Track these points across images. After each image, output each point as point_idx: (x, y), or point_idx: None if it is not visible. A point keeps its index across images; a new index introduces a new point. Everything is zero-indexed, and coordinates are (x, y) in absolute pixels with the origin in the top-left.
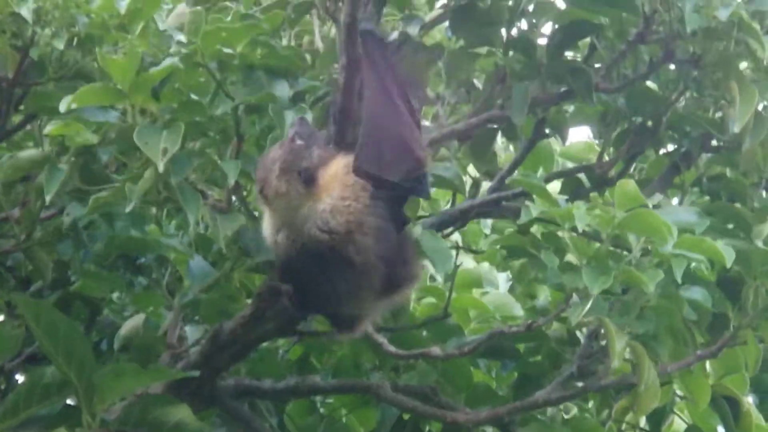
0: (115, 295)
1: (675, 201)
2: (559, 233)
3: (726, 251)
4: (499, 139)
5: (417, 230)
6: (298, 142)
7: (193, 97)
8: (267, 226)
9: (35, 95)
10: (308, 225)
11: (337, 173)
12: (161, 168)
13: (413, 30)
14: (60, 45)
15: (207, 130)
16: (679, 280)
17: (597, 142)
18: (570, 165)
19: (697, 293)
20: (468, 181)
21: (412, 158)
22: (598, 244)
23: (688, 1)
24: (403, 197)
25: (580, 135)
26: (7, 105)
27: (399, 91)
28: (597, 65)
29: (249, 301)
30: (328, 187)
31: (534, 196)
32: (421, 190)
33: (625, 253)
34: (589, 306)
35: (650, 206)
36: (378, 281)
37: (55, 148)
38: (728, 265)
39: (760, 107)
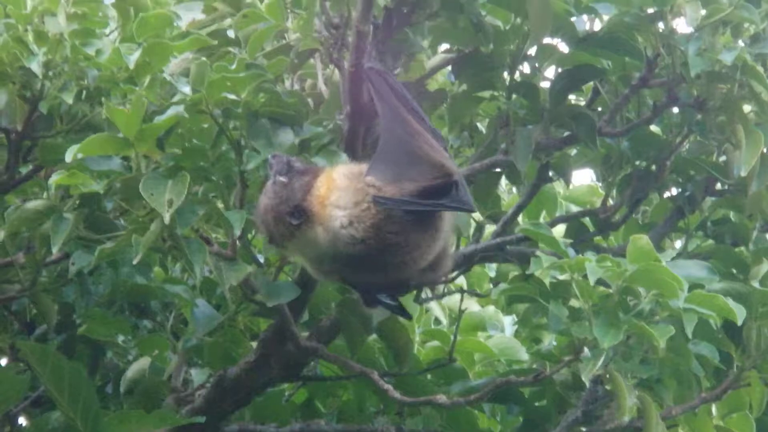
0: (120, 339)
1: (678, 244)
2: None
3: (737, 309)
4: (503, 182)
5: None
6: (279, 179)
7: (196, 142)
8: (306, 265)
9: (44, 147)
10: (338, 246)
11: (337, 184)
12: (167, 220)
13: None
14: (69, 99)
15: (210, 175)
16: (690, 336)
17: (600, 185)
18: (574, 208)
19: (704, 349)
20: (471, 225)
21: (433, 165)
22: (603, 289)
23: (691, 44)
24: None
25: (584, 178)
26: (15, 157)
27: (412, 113)
28: (599, 109)
29: (253, 344)
30: (329, 203)
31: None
32: (459, 202)
33: (633, 302)
34: (601, 362)
35: (663, 262)
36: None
37: (60, 193)
38: (739, 323)
39: (765, 150)
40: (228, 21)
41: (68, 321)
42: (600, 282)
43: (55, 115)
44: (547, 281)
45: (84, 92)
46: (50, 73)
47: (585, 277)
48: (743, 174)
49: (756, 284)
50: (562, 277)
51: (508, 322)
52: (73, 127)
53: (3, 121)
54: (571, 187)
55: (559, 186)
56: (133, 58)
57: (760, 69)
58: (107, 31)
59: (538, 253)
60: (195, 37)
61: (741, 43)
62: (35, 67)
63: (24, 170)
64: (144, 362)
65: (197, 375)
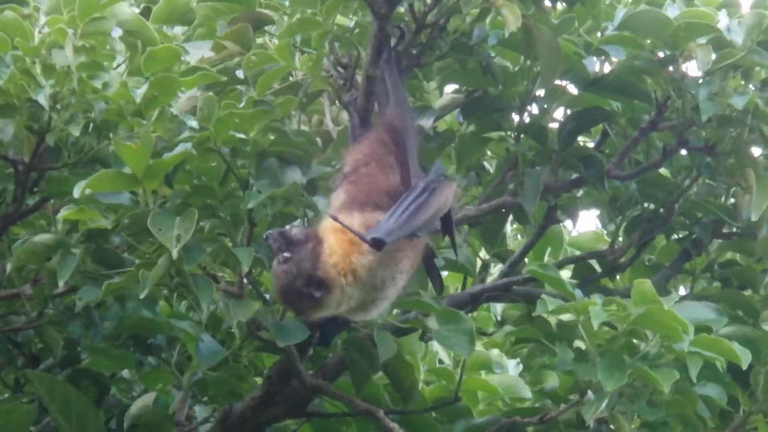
0: (124, 373)
1: (682, 291)
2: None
3: (742, 352)
4: (510, 226)
5: (432, 322)
6: (284, 255)
7: (204, 179)
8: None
9: (50, 180)
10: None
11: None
12: (175, 255)
13: (426, 122)
14: (76, 131)
15: (218, 212)
16: (695, 380)
17: (605, 232)
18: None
19: (711, 390)
20: (477, 264)
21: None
22: (608, 329)
23: (702, 88)
24: None
25: (589, 224)
26: (22, 188)
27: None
28: (607, 151)
29: (258, 380)
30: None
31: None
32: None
33: (640, 344)
34: (604, 404)
35: (665, 306)
36: None
37: (67, 227)
38: (744, 366)
39: None
40: (237, 59)
41: (73, 356)
42: (606, 323)
43: (62, 148)
44: (553, 323)
45: (91, 125)
46: (57, 106)
47: (590, 319)
48: (754, 218)
49: (767, 328)
50: (567, 319)
51: (512, 365)
52: (80, 159)
53: (10, 153)
54: (576, 233)
55: (564, 233)
56: (141, 91)
57: None
58: (115, 64)
59: (543, 295)
60: (204, 73)
61: (752, 87)
62: (42, 99)
63: (31, 202)
64: (148, 398)
65: (201, 411)
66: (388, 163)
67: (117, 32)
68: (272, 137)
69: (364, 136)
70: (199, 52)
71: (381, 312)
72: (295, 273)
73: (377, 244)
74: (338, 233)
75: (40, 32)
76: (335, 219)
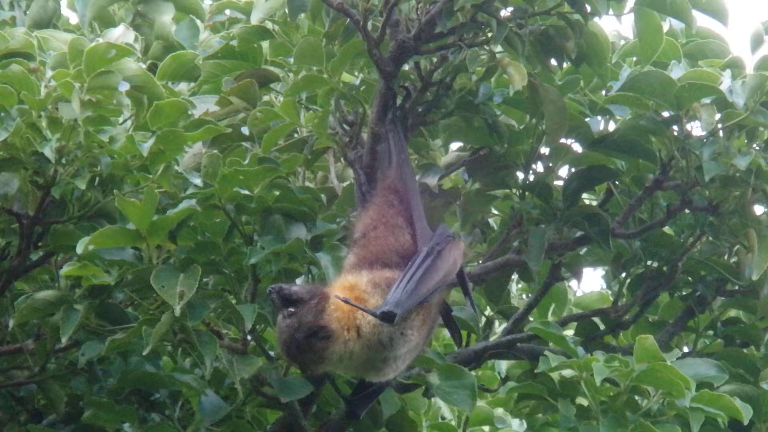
0: (127, 428)
1: (685, 348)
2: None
3: (744, 408)
4: (516, 286)
5: (434, 377)
6: (290, 310)
7: (208, 235)
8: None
9: (55, 234)
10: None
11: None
12: (178, 312)
13: (432, 180)
14: (82, 185)
15: (222, 268)
16: None
17: (610, 292)
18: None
19: None
20: (481, 321)
21: None
22: (610, 386)
23: (705, 148)
24: None
25: (594, 284)
26: (26, 242)
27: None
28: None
29: None
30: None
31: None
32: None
33: (642, 400)
34: None
35: (668, 362)
36: None
37: (70, 282)
38: (745, 422)
39: None
40: (242, 115)
41: (76, 411)
42: (608, 379)
43: (67, 202)
44: (556, 379)
45: (97, 179)
46: (63, 160)
47: (593, 375)
48: (755, 278)
49: (766, 386)
50: (570, 375)
51: (516, 423)
52: (85, 213)
53: (15, 207)
54: (581, 292)
55: (569, 293)
56: (147, 146)
57: None
58: (121, 118)
59: (546, 352)
60: (209, 126)
61: (755, 147)
62: (48, 152)
63: (35, 256)
64: None
65: None
66: (397, 223)
67: (124, 87)
68: (277, 194)
69: (372, 201)
70: (204, 106)
71: (398, 372)
72: (298, 326)
73: (388, 318)
74: (345, 290)
75: (46, 86)
76: (345, 301)
